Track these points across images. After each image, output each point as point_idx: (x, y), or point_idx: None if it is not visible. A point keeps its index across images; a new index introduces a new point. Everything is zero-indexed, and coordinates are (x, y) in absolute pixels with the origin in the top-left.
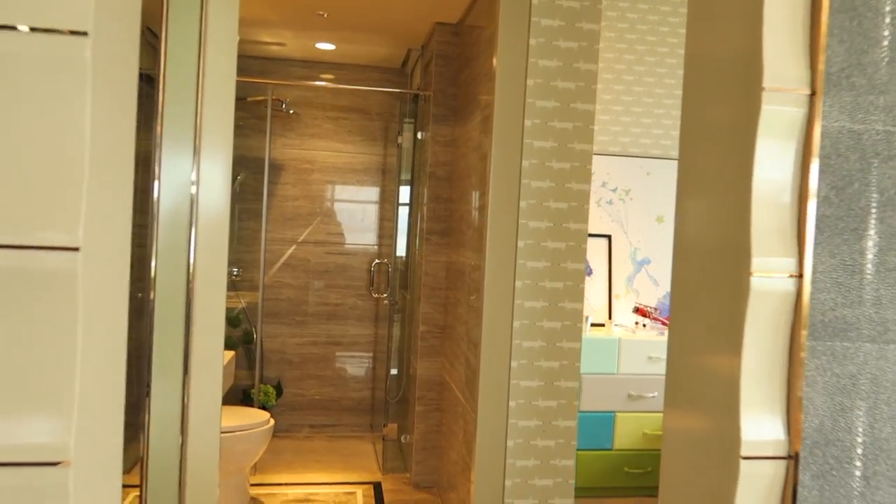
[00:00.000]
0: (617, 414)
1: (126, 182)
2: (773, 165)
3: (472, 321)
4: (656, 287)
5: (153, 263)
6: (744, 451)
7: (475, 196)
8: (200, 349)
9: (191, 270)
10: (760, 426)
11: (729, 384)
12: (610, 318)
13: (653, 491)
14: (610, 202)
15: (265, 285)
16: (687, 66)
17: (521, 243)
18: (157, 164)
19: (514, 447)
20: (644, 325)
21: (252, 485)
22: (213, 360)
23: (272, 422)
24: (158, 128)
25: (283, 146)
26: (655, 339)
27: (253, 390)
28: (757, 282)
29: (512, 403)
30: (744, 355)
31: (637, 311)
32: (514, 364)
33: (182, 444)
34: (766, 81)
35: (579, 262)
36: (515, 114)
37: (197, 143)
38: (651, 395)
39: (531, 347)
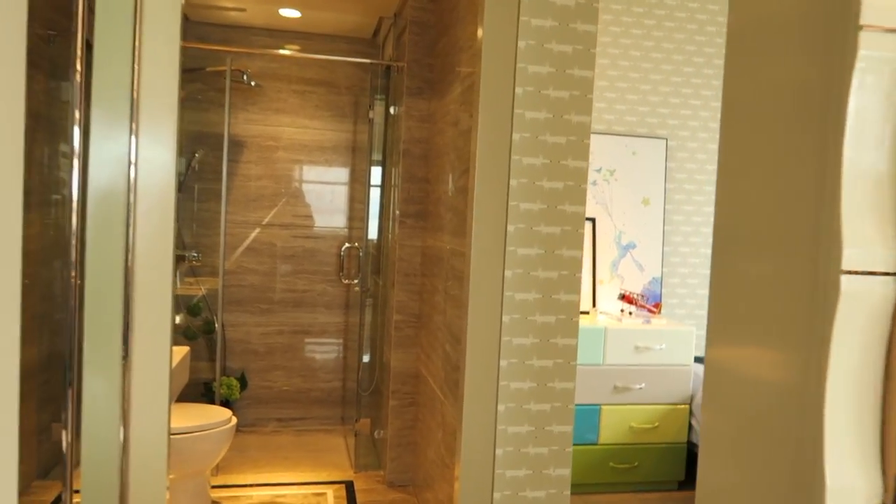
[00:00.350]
0: (602, 407)
1: (11, 150)
2: (869, 128)
3: (452, 311)
4: (641, 272)
5: (73, 246)
6: None
7: (455, 175)
8: (143, 339)
9: (130, 255)
10: (848, 469)
11: (800, 411)
12: (594, 305)
13: (639, 486)
14: (594, 183)
15: (227, 271)
16: (732, 26)
17: (511, 227)
18: (77, 132)
19: (504, 456)
20: (630, 313)
21: (213, 486)
22: (158, 351)
23: (234, 420)
24: (78, 96)
25: (245, 121)
26: (642, 327)
27: (215, 383)
28: (849, 281)
29: (501, 408)
30: (829, 376)
31: (623, 297)
32: (503, 363)
33: (123, 446)
34: (865, 18)
35: (576, 248)
36: (505, 80)
37: (134, 114)
38: (638, 386)
39: (522, 345)
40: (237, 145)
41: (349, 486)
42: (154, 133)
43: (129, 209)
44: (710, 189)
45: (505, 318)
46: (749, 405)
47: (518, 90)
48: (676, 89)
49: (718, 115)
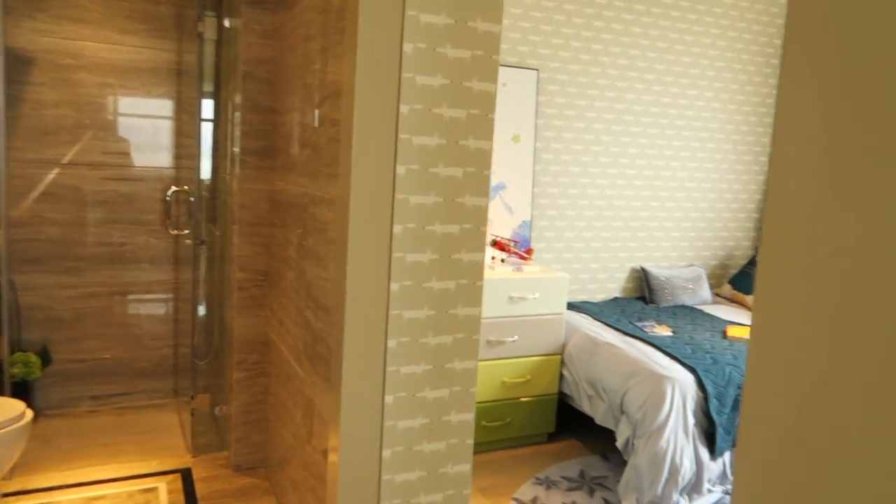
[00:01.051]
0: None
1: None
2: None
3: (313, 271)
4: (511, 216)
5: None
6: None
7: (315, 103)
8: None
9: None
10: None
11: None
12: None
13: (511, 443)
14: None
15: (15, 222)
16: None
17: (401, 169)
18: None
19: (393, 458)
20: (502, 260)
21: (6, 495)
22: None
23: (29, 414)
24: None
25: (32, 32)
26: (515, 276)
27: (6, 362)
28: None
29: (389, 399)
30: None
31: (494, 244)
32: (391, 343)
33: None
34: None
35: (481, 195)
36: None
37: None
38: (511, 339)
39: (415, 318)
40: (22, 62)
41: (186, 475)
42: None
43: None
44: (580, 126)
45: (394, 286)
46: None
47: None
48: (548, 15)
49: (590, 46)
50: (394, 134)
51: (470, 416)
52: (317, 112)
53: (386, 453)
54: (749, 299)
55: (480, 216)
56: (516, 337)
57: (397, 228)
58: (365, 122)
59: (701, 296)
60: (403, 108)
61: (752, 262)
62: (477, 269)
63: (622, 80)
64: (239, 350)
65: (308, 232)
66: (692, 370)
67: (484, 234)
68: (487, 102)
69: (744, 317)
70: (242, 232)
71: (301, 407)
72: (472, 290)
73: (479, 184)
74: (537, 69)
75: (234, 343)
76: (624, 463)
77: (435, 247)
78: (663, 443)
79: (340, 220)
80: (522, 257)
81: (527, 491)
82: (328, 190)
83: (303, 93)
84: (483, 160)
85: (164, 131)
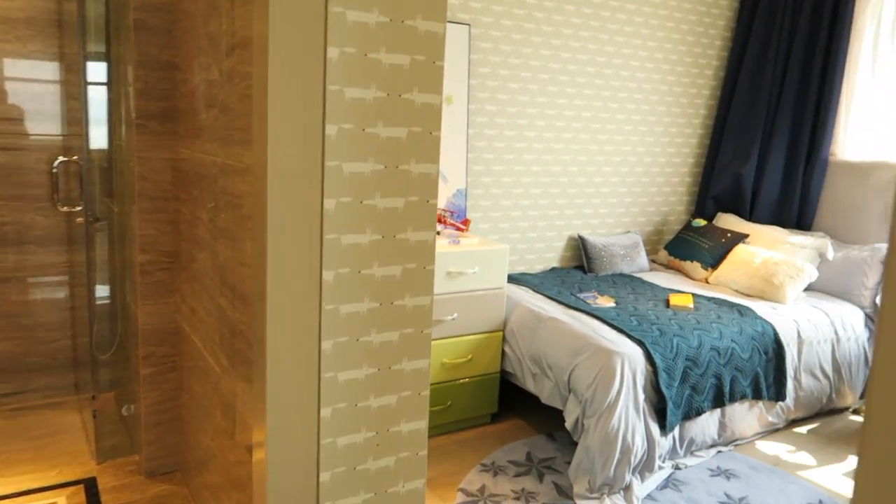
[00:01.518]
0: None
1: None
2: None
3: (226, 253)
4: (445, 184)
5: None
6: None
7: (220, 54)
8: None
9: None
10: None
11: None
12: None
13: (453, 427)
14: None
15: None
16: None
17: (331, 129)
18: None
19: (332, 481)
20: (438, 233)
21: None
22: None
23: None
24: None
25: None
26: (452, 249)
27: None
28: None
29: (326, 412)
30: None
31: None
32: (326, 345)
33: None
34: None
35: (430, 160)
36: None
37: None
38: (450, 317)
39: (355, 313)
40: None
41: (90, 486)
42: None
43: None
44: (515, 87)
45: (327, 275)
46: None
47: None
48: None
49: (524, 0)
50: (321, 85)
51: (423, 424)
52: (224, 64)
53: (324, 476)
54: (686, 265)
55: (430, 186)
56: (456, 315)
57: (329, 203)
58: (283, 71)
59: (639, 263)
60: (332, 52)
61: (687, 227)
62: (427, 251)
63: (557, 38)
64: (146, 342)
65: (219, 207)
66: (640, 343)
67: (434, 207)
68: (435, 47)
69: (683, 284)
70: (143, 208)
71: (220, 409)
72: (422, 276)
73: (428, 147)
74: (469, 24)
75: (140, 334)
76: (571, 441)
77: (376, 225)
78: (615, 421)
79: (257, 193)
80: (459, 229)
81: (473, 480)
82: (241, 157)
83: (207, 43)
84: (431, 118)
85: (47, 94)
